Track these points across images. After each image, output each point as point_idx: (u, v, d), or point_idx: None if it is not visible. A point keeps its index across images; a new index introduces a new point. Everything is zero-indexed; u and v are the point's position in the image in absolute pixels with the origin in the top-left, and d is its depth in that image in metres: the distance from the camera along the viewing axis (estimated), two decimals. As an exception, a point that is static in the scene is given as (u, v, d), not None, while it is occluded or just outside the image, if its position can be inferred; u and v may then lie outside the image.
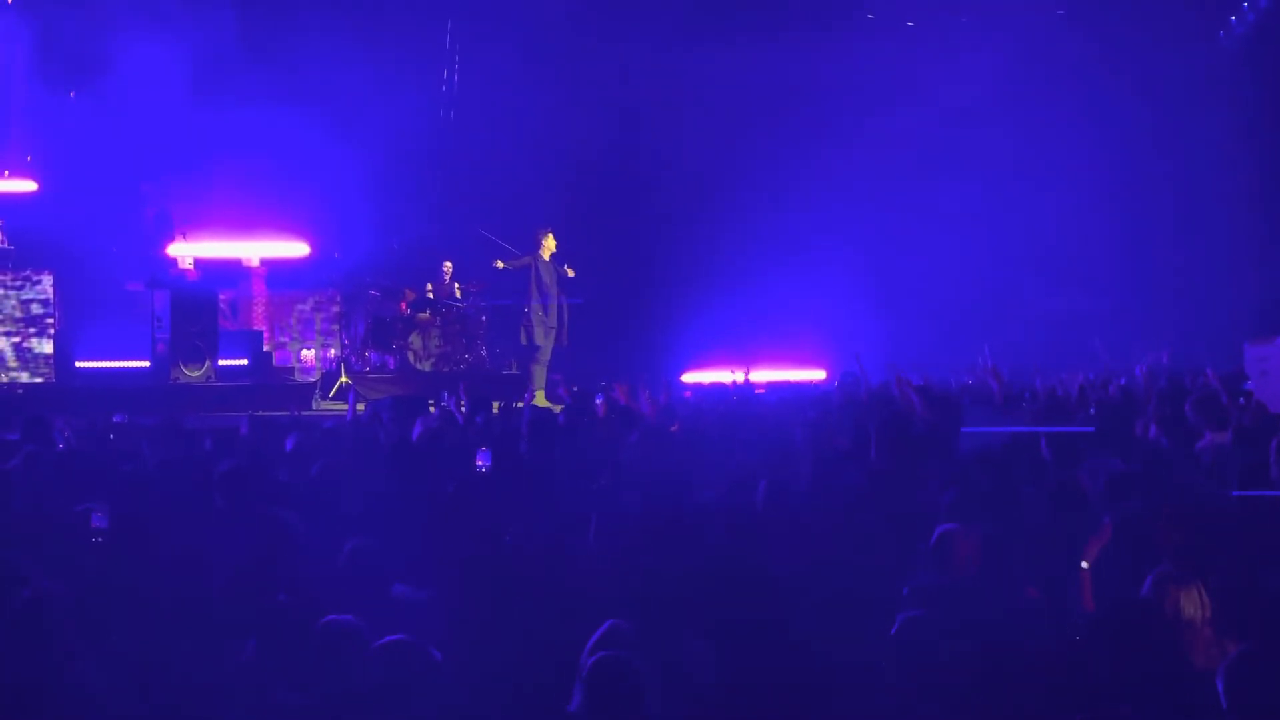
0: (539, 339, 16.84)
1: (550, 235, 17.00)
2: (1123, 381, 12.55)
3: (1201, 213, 19.83)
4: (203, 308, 16.21)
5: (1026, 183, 19.88)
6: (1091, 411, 9.63)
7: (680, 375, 18.46)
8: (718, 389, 14.40)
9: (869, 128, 19.80)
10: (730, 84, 20.08)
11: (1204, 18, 20.64)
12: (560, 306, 16.93)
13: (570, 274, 16.97)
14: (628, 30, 19.63)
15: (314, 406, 16.06)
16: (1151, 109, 19.65)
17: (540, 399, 15.73)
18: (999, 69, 19.73)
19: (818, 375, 19.03)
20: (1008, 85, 19.97)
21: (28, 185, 17.94)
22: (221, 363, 16.42)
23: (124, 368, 16.48)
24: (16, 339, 16.01)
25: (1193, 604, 5.07)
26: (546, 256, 16.89)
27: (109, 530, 6.19)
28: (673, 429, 10.16)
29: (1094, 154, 19.65)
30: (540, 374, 16.80)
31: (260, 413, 12.26)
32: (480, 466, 7.72)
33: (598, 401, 11.26)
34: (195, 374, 15.87)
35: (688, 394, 14.64)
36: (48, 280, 16.17)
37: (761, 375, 16.83)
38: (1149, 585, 5.15)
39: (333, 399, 16.76)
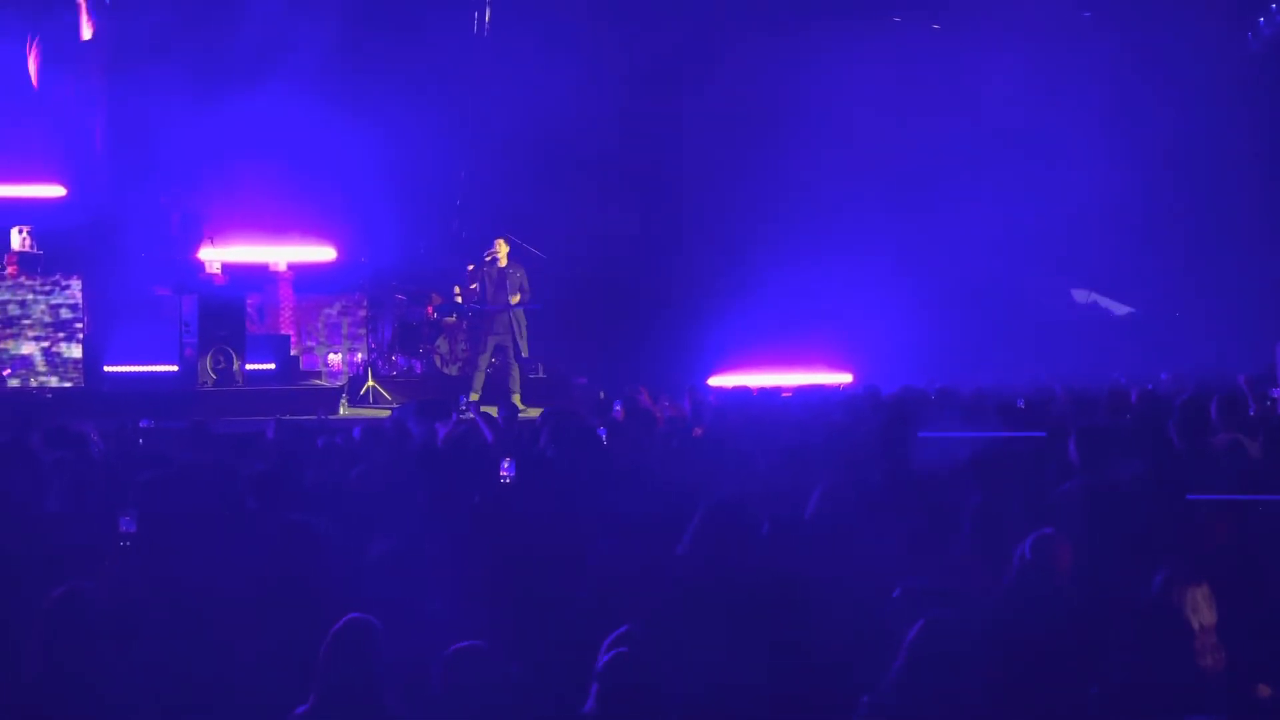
0: (484, 348, 16.60)
1: (500, 241, 16.69)
2: (1150, 387, 12.50)
3: (1232, 214, 19.73)
4: (230, 312, 16.28)
5: (1053, 185, 19.80)
6: (1126, 416, 9.64)
7: (707, 379, 18.43)
8: (741, 393, 14.37)
9: (895, 130, 19.78)
10: (759, 85, 20.06)
11: (1232, 19, 20.53)
12: (511, 315, 16.49)
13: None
14: (653, 33, 19.65)
15: (341, 411, 16.12)
16: (1180, 111, 19.53)
17: (517, 402, 15.30)
18: (1026, 71, 19.67)
19: (844, 379, 18.98)
20: (1035, 87, 19.91)
21: (56, 190, 18.03)
22: (249, 367, 16.49)
23: (152, 372, 16.55)
24: (45, 344, 16.10)
25: (1202, 603, 4.97)
26: (504, 264, 16.59)
27: (136, 534, 6.23)
28: (697, 433, 10.16)
29: (1121, 156, 19.54)
30: (480, 380, 16.44)
31: (287, 417, 12.30)
32: (505, 477, 7.71)
33: (616, 407, 11.22)
34: (223, 378, 15.94)
35: (710, 398, 14.62)
36: (76, 285, 16.23)
37: (788, 379, 16.82)
38: (1158, 585, 5.08)
39: (359, 403, 16.82)
